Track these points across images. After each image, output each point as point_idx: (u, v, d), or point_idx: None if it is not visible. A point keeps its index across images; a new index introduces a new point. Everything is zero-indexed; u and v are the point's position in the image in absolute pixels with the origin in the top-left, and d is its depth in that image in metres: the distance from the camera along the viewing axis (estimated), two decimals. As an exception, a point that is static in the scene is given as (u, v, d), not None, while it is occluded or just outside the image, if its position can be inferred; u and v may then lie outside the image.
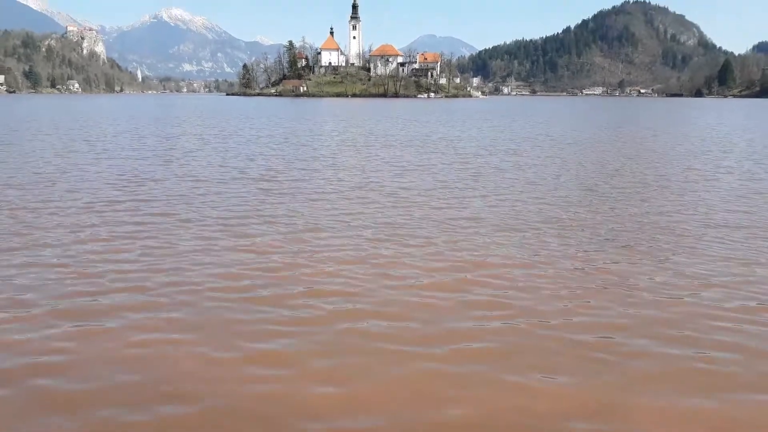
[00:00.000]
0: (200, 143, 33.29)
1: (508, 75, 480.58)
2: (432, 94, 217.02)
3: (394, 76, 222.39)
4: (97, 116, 67.58)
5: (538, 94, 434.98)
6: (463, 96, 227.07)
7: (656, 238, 12.52)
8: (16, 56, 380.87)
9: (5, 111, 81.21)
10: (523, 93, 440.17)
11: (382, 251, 11.25)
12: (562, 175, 22.04)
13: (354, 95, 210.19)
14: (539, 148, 32.58)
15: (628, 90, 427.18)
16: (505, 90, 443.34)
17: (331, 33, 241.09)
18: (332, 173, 21.70)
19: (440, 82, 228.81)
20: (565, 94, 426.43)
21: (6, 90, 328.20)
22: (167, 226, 13.10)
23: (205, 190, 17.73)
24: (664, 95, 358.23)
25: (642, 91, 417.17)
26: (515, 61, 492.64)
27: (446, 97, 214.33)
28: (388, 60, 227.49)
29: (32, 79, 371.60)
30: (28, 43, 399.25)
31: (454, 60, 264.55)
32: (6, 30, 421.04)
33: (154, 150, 29.24)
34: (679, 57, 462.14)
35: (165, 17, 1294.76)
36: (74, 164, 23.53)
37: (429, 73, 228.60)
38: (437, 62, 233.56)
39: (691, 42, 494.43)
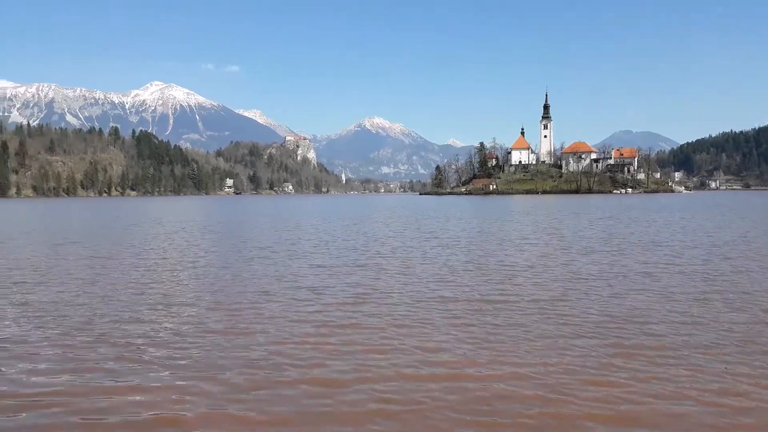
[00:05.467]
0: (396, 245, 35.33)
1: (715, 169, 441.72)
2: (629, 190, 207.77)
3: (587, 172, 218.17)
4: (308, 211, 76.04)
5: (752, 188, 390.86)
6: (665, 191, 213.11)
7: None
8: (243, 163, 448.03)
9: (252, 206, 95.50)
10: (735, 187, 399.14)
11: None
12: None
13: (544, 191, 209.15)
14: None
15: None
16: (713, 184, 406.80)
17: (522, 133, 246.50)
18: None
19: (638, 177, 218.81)
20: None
21: (234, 192, 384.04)
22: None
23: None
24: None
25: None
26: (723, 154, 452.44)
27: (645, 192, 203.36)
28: (580, 156, 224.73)
29: (255, 182, 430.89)
30: (254, 151, 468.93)
31: (653, 155, 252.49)
32: (237, 141, 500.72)
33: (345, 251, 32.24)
34: None
35: (367, 125, 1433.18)
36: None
37: (626, 169, 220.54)
38: (634, 157, 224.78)
39: None
